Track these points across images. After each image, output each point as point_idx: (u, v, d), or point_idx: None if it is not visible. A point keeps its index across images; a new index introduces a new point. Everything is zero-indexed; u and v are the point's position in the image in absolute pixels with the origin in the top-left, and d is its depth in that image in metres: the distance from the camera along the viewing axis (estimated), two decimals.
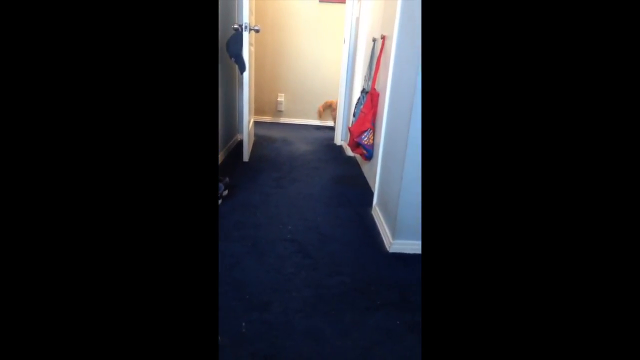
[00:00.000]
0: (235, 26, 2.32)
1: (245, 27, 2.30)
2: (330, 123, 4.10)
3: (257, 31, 2.50)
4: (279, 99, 4.16)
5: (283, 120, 4.23)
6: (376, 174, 1.88)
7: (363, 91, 2.38)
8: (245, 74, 2.43)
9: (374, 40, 2.25)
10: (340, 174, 2.54)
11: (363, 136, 2.15)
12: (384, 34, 2.03)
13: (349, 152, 2.90)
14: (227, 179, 1.97)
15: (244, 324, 1.07)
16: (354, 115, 2.48)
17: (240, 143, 2.98)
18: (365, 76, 2.46)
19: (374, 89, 2.14)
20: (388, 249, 1.54)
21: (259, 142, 3.23)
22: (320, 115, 4.23)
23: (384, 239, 1.62)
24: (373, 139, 2.15)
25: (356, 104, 2.46)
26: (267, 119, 4.21)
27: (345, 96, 3.14)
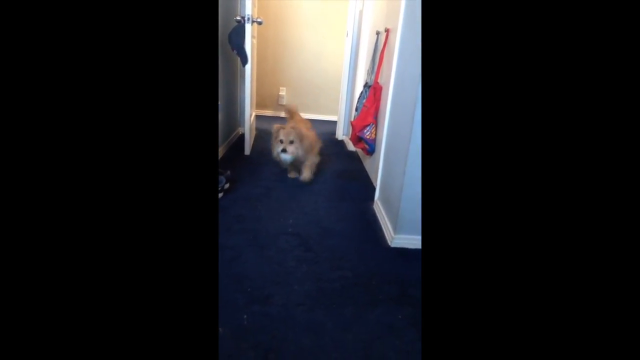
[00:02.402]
0: (238, 18, 2.30)
1: (248, 19, 2.28)
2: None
3: (259, 23, 2.48)
4: (280, 93, 4.14)
5: (284, 114, 4.21)
6: (378, 168, 1.87)
7: (366, 85, 2.37)
8: (248, 67, 2.42)
9: (378, 33, 2.23)
10: (342, 168, 2.54)
11: (365, 130, 2.14)
12: (388, 27, 2.01)
13: (351, 146, 2.90)
14: (228, 172, 1.96)
15: (245, 316, 1.07)
16: (356, 110, 2.47)
17: (242, 136, 2.97)
18: (368, 70, 2.44)
19: (377, 83, 2.12)
20: (389, 244, 1.54)
21: (260, 135, 3.22)
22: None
23: (385, 233, 1.62)
24: (375, 134, 2.13)
25: (359, 98, 2.44)
26: (268, 112, 4.19)
27: (348, 90, 3.12)
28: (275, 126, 2.13)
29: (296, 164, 2.19)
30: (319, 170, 2.34)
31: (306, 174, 2.18)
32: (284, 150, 2.05)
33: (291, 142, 2.06)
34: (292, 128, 2.09)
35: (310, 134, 2.27)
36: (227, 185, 1.93)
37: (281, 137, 2.06)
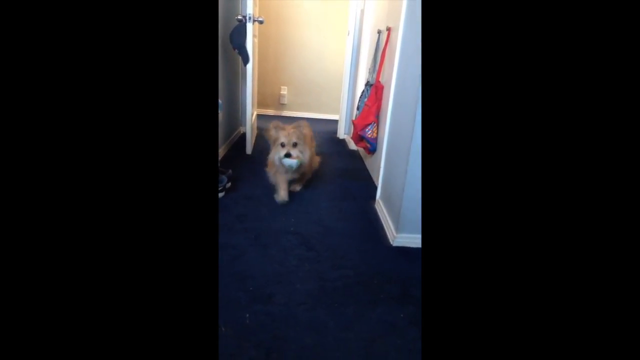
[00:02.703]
0: (239, 17, 2.29)
1: (249, 18, 2.28)
2: None
3: (260, 22, 2.48)
4: (282, 92, 4.14)
5: (286, 113, 4.21)
6: (380, 167, 1.87)
7: (367, 84, 2.36)
8: (249, 66, 2.42)
9: (379, 32, 2.23)
10: (344, 167, 2.54)
11: (367, 129, 2.14)
12: (390, 25, 2.01)
13: (352, 145, 2.89)
14: (230, 171, 1.96)
15: (247, 315, 1.07)
16: (357, 109, 2.47)
17: (243, 136, 2.97)
18: (369, 69, 2.44)
19: (379, 82, 2.12)
20: (391, 243, 1.54)
21: (262, 135, 3.22)
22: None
23: (387, 232, 1.62)
24: (377, 133, 2.13)
25: (360, 97, 2.44)
26: (270, 112, 4.19)
27: (349, 89, 3.12)
28: (272, 125, 1.77)
29: (300, 171, 1.86)
30: (320, 169, 2.33)
31: (296, 185, 1.97)
32: (287, 155, 1.72)
33: (295, 145, 1.74)
34: (293, 128, 1.77)
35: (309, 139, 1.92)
36: (229, 185, 1.93)
37: (282, 139, 1.74)
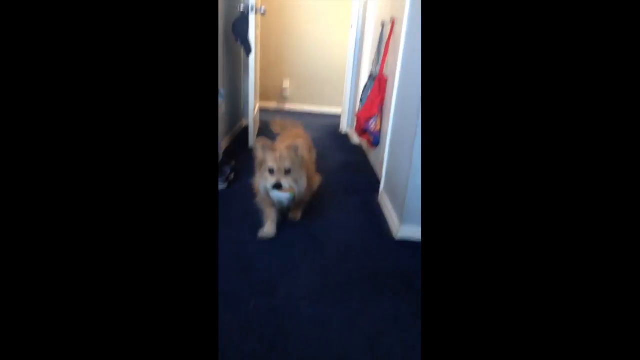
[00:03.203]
0: (242, 8, 2.27)
1: (252, 8, 2.25)
2: None
3: (263, 13, 2.45)
4: (284, 85, 4.11)
5: (288, 106, 4.19)
6: (383, 161, 1.86)
7: (371, 76, 2.34)
8: (251, 58, 2.40)
9: (383, 23, 2.20)
10: (347, 160, 2.53)
11: (370, 122, 2.12)
12: (394, 16, 1.98)
13: (355, 139, 2.88)
14: (233, 162, 1.96)
15: (251, 308, 1.07)
16: (360, 101, 2.45)
17: (246, 129, 2.95)
18: (373, 61, 2.42)
19: (382, 74, 2.10)
20: (395, 236, 1.53)
21: (264, 128, 3.21)
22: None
23: (391, 226, 1.61)
24: (380, 125, 2.12)
25: (363, 90, 2.42)
26: (271, 105, 4.17)
27: (352, 81, 3.10)
28: (259, 144, 1.34)
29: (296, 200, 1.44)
30: (323, 165, 2.32)
31: (296, 212, 1.53)
32: (277, 186, 1.30)
33: (287, 172, 1.32)
34: (286, 148, 1.32)
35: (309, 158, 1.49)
36: (232, 176, 1.93)
37: (270, 164, 1.31)
